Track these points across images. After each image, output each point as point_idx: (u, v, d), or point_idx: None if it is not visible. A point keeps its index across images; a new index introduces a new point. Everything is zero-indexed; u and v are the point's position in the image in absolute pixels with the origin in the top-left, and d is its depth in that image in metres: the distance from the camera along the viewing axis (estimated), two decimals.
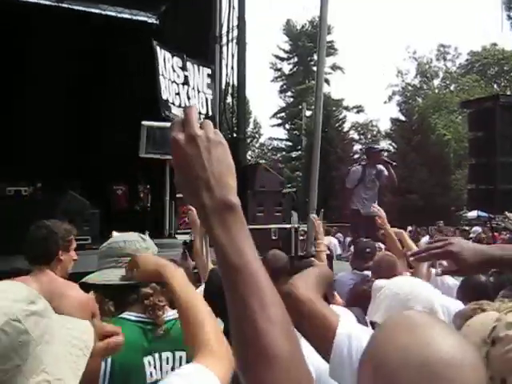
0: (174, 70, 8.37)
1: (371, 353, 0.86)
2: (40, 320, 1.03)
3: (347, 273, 5.43)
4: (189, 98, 8.42)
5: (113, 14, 12.14)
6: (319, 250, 4.77)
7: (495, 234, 12.18)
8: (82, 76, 11.24)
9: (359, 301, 3.46)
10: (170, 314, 2.05)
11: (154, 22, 12.57)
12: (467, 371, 0.78)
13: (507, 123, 7.90)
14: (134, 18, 12.35)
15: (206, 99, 8.92)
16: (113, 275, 1.98)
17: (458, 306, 2.55)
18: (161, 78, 7.94)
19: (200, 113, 8.54)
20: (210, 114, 8.85)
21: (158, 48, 8.06)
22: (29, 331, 0.98)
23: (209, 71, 9.18)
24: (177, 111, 7.90)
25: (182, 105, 8.14)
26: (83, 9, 12.03)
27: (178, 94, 8.28)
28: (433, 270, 4.18)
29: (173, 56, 8.36)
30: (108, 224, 7.51)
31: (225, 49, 10.36)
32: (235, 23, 10.05)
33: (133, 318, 1.99)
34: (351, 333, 1.79)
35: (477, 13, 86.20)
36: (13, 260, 6.47)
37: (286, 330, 0.89)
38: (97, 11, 12.14)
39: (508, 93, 42.19)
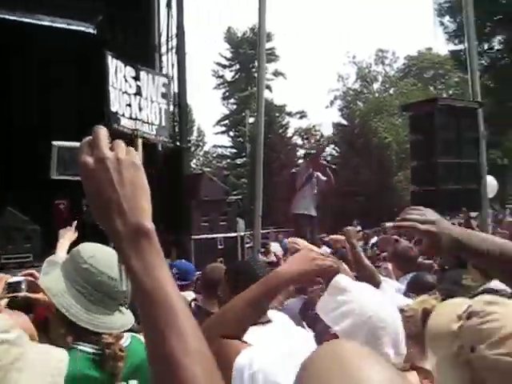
0: (126, 80, 8.12)
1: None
2: (10, 348, 1.09)
3: (297, 299, 5.38)
4: (140, 109, 8.22)
5: (48, 23, 11.85)
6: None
7: None
8: (19, 85, 10.92)
9: None
10: (122, 341, 1.92)
11: (92, 31, 12.33)
12: None
13: (444, 125, 8.10)
14: (71, 27, 12.08)
15: (160, 109, 8.69)
16: (79, 310, 1.77)
17: None
18: (110, 88, 7.69)
19: (152, 123, 8.37)
20: (164, 124, 8.66)
21: (109, 58, 7.80)
22: None
23: (165, 80, 8.99)
24: (127, 123, 7.72)
25: (133, 116, 7.96)
26: (17, 19, 11.69)
27: (129, 104, 8.04)
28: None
29: (125, 66, 8.11)
30: (50, 241, 7.28)
31: (164, 58, 10.26)
32: (174, 32, 9.96)
33: (88, 350, 1.83)
34: (252, 358, 1.78)
35: (412, 18, 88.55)
36: None
37: (203, 361, 0.85)
38: (32, 21, 11.83)
39: (444, 95, 43.43)
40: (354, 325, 1.77)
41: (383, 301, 1.89)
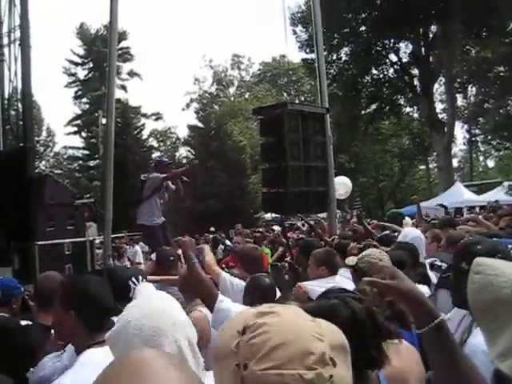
0: None
1: None
2: None
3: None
4: None
5: None
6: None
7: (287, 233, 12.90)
8: None
9: None
10: None
11: None
12: None
13: (294, 130, 8.31)
14: None
15: None
16: None
17: None
18: None
19: None
20: None
21: None
22: None
23: None
24: None
25: None
26: None
27: None
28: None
29: None
30: None
31: (6, 50, 9.52)
32: (17, 23, 9.29)
33: None
34: None
35: (267, 25, 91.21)
36: None
37: None
38: None
39: (296, 101, 45.19)
40: (116, 329, 1.72)
41: (154, 312, 1.77)
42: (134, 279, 2.97)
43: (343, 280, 4.34)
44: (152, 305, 1.82)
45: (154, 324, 1.67)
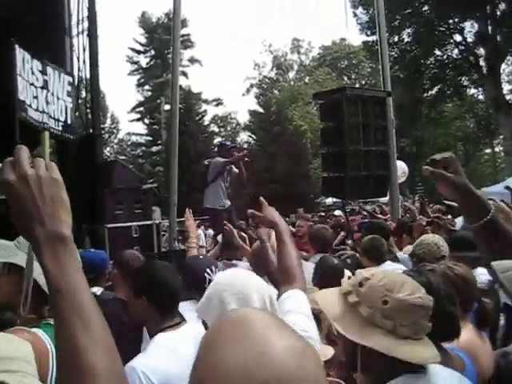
0: (32, 73, 7.69)
1: (202, 367, 0.78)
2: None
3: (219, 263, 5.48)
4: (47, 103, 7.84)
5: None
6: (189, 245, 4.60)
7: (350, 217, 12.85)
8: None
9: None
10: None
11: None
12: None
13: (353, 114, 8.31)
14: None
15: (66, 107, 8.36)
16: None
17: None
18: (19, 77, 7.29)
19: (59, 120, 8.06)
20: (69, 122, 8.35)
21: (16, 47, 7.35)
22: None
23: (70, 79, 8.60)
24: (34, 115, 7.37)
25: (40, 109, 7.57)
26: None
27: (36, 97, 7.66)
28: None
29: (32, 58, 7.68)
30: None
31: (75, 41, 9.87)
32: (85, 14, 9.62)
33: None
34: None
35: (326, 9, 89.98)
36: None
37: (106, 347, 0.93)
38: None
39: (357, 85, 44.60)
40: (207, 294, 1.88)
41: (240, 274, 1.97)
42: (208, 270, 3.22)
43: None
44: (236, 271, 2.12)
45: (243, 280, 1.87)
